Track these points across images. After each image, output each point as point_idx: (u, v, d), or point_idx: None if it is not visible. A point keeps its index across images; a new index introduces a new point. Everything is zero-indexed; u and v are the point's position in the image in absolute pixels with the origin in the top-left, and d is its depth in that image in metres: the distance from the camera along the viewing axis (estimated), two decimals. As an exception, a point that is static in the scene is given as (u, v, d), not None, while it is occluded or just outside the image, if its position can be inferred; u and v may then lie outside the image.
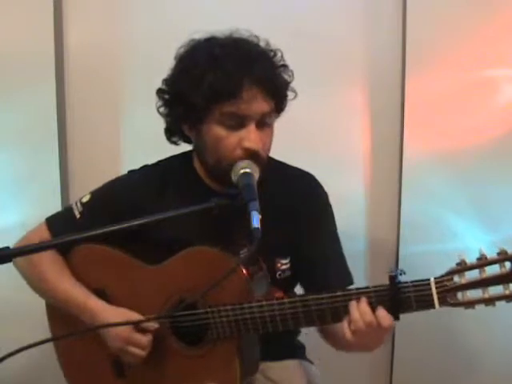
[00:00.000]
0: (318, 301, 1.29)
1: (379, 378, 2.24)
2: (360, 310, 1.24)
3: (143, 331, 1.41)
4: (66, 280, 1.51)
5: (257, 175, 1.34)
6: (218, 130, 1.37)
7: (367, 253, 2.18)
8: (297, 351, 1.65)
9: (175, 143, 1.52)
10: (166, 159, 1.57)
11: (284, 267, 1.50)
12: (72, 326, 1.49)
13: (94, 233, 1.17)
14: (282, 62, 1.44)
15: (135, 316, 1.43)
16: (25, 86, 2.11)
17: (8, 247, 1.10)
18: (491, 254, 1.17)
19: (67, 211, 1.55)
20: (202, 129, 1.40)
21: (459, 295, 1.19)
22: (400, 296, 1.22)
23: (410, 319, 1.26)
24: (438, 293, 1.20)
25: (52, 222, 1.55)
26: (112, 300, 1.47)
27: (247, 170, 1.33)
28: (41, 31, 2.09)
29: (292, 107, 1.47)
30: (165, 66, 1.43)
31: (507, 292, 1.16)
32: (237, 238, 1.41)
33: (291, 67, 1.45)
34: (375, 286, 1.25)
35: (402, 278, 1.23)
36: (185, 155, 1.54)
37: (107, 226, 1.19)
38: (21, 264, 1.53)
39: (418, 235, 2.09)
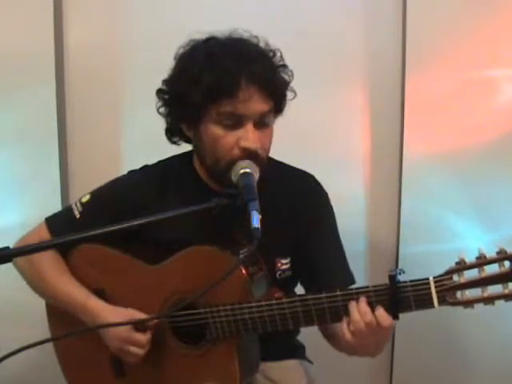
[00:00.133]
0: (318, 300, 1.29)
1: (379, 378, 2.24)
2: (360, 311, 1.24)
3: (142, 330, 1.41)
4: (66, 280, 1.51)
5: (257, 175, 1.34)
6: (216, 130, 1.37)
7: (367, 253, 2.18)
8: (297, 351, 1.65)
9: (176, 143, 1.52)
10: (166, 159, 1.57)
11: (284, 267, 1.50)
12: (72, 326, 1.49)
13: (93, 233, 1.17)
14: (281, 62, 1.44)
15: (135, 315, 1.43)
16: (25, 86, 2.11)
17: (8, 247, 1.10)
18: (491, 254, 1.16)
19: (67, 211, 1.55)
20: (199, 128, 1.40)
21: (458, 294, 1.19)
22: (399, 295, 1.22)
23: (410, 319, 1.26)
24: (437, 292, 1.20)
25: (52, 221, 1.55)
26: (112, 300, 1.48)
27: (247, 170, 1.33)
28: (41, 31, 2.09)
29: (292, 107, 1.47)
30: (165, 66, 1.43)
31: (506, 291, 1.15)
32: (237, 238, 1.41)
33: (291, 67, 1.45)
34: (374, 286, 1.25)
35: (402, 278, 1.23)
36: (185, 155, 1.54)
37: (107, 226, 1.18)
38: (21, 264, 1.53)
39: (418, 235, 2.09)
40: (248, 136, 1.35)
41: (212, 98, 1.34)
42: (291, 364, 1.61)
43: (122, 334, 1.41)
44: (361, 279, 1.50)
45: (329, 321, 1.30)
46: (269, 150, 1.43)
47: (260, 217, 1.20)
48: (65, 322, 1.52)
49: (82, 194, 1.56)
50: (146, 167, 1.57)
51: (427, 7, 2.01)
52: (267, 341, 1.45)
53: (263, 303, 1.33)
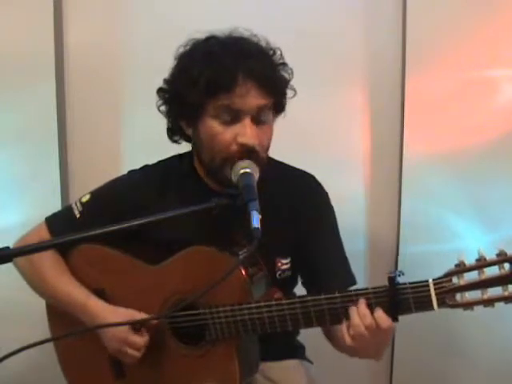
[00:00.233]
0: (317, 302, 1.28)
1: (379, 378, 2.24)
2: (359, 313, 1.24)
3: (141, 333, 1.41)
4: (66, 280, 1.51)
5: (257, 175, 1.34)
6: (214, 125, 1.36)
7: (367, 253, 2.18)
8: (297, 351, 1.65)
9: (177, 142, 1.52)
10: (166, 159, 1.57)
11: (284, 267, 1.50)
12: (72, 326, 1.49)
13: (93, 233, 1.17)
14: (281, 61, 1.44)
15: (135, 315, 1.43)
16: (25, 86, 2.11)
17: (8, 247, 1.10)
18: (490, 255, 1.16)
19: (67, 211, 1.55)
20: (198, 125, 1.40)
21: (458, 296, 1.19)
22: (399, 297, 1.21)
23: (410, 319, 1.25)
24: (436, 294, 1.19)
25: (52, 221, 1.55)
26: (111, 300, 1.48)
27: (247, 170, 1.32)
28: (41, 31, 2.09)
29: (292, 107, 1.47)
30: (165, 66, 1.44)
31: (506, 293, 1.15)
32: (237, 238, 1.41)
33: (291, 67, 1.45)
34: (374, 288, 1.25)
35: (401, 279, 1.22)
36: (185, 155, 1.54)
37: (107, 225, 1.18)
38: (21, 264, 1.53)
39: (418, 235, 2.09)
40: (245, 131, 1.34)
41: (210, 93, 1.34)
42: (291, 364, 1.61)
43: (120, 334, 1.41)
44: (361, 279, 1.50)
45: (328, 322, 1.30)
46: (267, 148, 1.42)
47: (260, 217, 1.19)
48: (65, 322, 1.52)
49: (81, 194, 1.56)
50: (146, 167, 1.57)
51: (427, 7, 2.01)
52: (267, 341, 1.45)
53: (262, 304, 1.32)
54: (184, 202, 1.30)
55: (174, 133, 1.50)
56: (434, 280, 1.20)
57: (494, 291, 1.16)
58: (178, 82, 1.40)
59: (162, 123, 1.50)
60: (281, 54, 1.44)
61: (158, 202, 1.47)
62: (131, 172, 1.58)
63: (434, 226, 2.08)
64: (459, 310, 1.20)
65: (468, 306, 1.18)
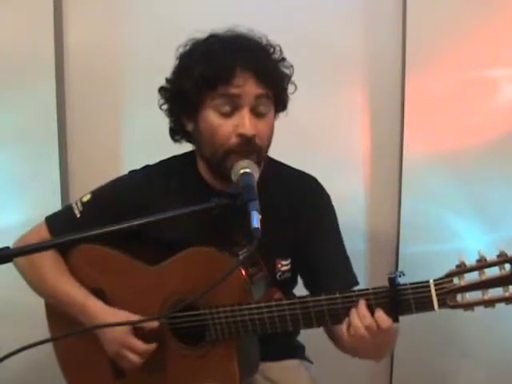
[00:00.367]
0: (317, 303, 1.28)
1: (379, 378, 2.24)
2: (359, 314, 1.24)
3: (142, 337, 1.41)
4: (66, 280, 1.51)
5: (257, 175, 1.34)
6: (213, 118, 1.37)
7: (367, 252, 2.18)
8: (297, 351, 1.65)
9: (178, 141, 1.52)
10: (167, 159, 1.57)
11: (284, 268, 1.50)
12: (71, 327, 1.49)
13: (93, 233, 1.17)
14: (280, 57, 1.44)
15: (135, 318, 1.43)
16: (25, 86, 2.11)
17: (8, 247, 1.10)
18: (491, 255, 1.16)
19: (67, 210, 1.55)
20: (198, 119, 1.41)
21: (458, 297, 1.19)
22: (399, 298, 1.21)
23: (410, 320, 1.25)
24: (437, 295, 1.19)
25: (52, 221, 1.55)
26: (111, 300, 1.48)
27: (247, 170, 1.32)
28: (41, 31, 2.09)
29: (292, 107, 1.47)
30: (165, 66, 1.44)
31: (507, 294, 1.15)
32: (237, 239, 1.41)
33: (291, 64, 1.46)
34: (374, 288, 1.25)
35: (402, 280, 1.22)
36: (187, 155, 1.54)
37: (107, 225, 1.18)
38: (21, 264, 1.53)
39: (418, 235, 2.09)
40: (244, 122, 1.35)
41: (209, 86, 1.36)
42: (291, 364, 1.61)
43: (120, 336, 1.41)
44: (361, 279, 1.50)
45: (328, 323, 1.30)
46: (267, 142, 1.42)
47: (260, 217, 1.19)
48: (64, 323, 1.51)
49: (81, 193, 1.56)
50: (147, 167, 1.57)
51: (427, 7, 2.01)
52: (267, 341, 1.45)
53: (262, 305, 1.32)
54: (186, 203, 1.29)
55: (175, 132, 1.51)
56: (434, 281, 1.20)
57: (495, 292, 1.16)
58: (179, 80, 1.42)
59: (162, 123, 1.50)
60: (280, 51, 1.44)
61: (160, 202, 1.47)
62: (132, 172, 1.58)
63: (434, 226, 2.08)
64: (459, 311, 1.20)
65: (469, 306, 1.18)
